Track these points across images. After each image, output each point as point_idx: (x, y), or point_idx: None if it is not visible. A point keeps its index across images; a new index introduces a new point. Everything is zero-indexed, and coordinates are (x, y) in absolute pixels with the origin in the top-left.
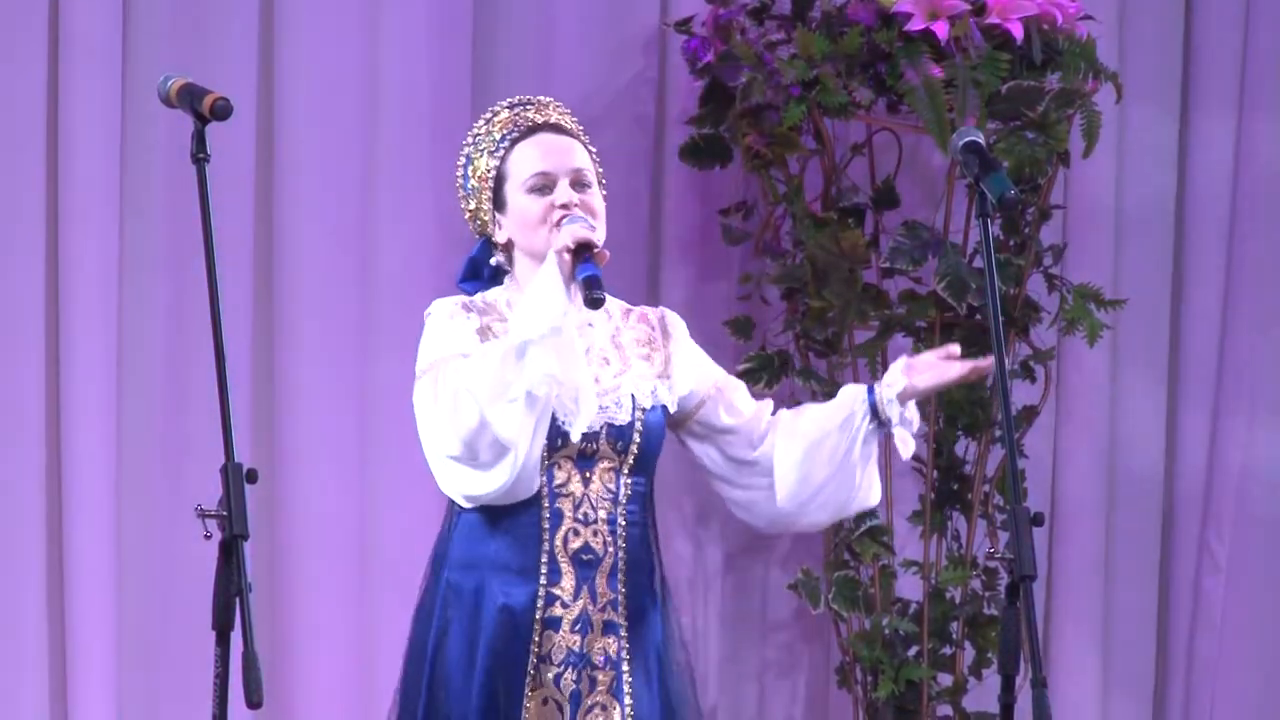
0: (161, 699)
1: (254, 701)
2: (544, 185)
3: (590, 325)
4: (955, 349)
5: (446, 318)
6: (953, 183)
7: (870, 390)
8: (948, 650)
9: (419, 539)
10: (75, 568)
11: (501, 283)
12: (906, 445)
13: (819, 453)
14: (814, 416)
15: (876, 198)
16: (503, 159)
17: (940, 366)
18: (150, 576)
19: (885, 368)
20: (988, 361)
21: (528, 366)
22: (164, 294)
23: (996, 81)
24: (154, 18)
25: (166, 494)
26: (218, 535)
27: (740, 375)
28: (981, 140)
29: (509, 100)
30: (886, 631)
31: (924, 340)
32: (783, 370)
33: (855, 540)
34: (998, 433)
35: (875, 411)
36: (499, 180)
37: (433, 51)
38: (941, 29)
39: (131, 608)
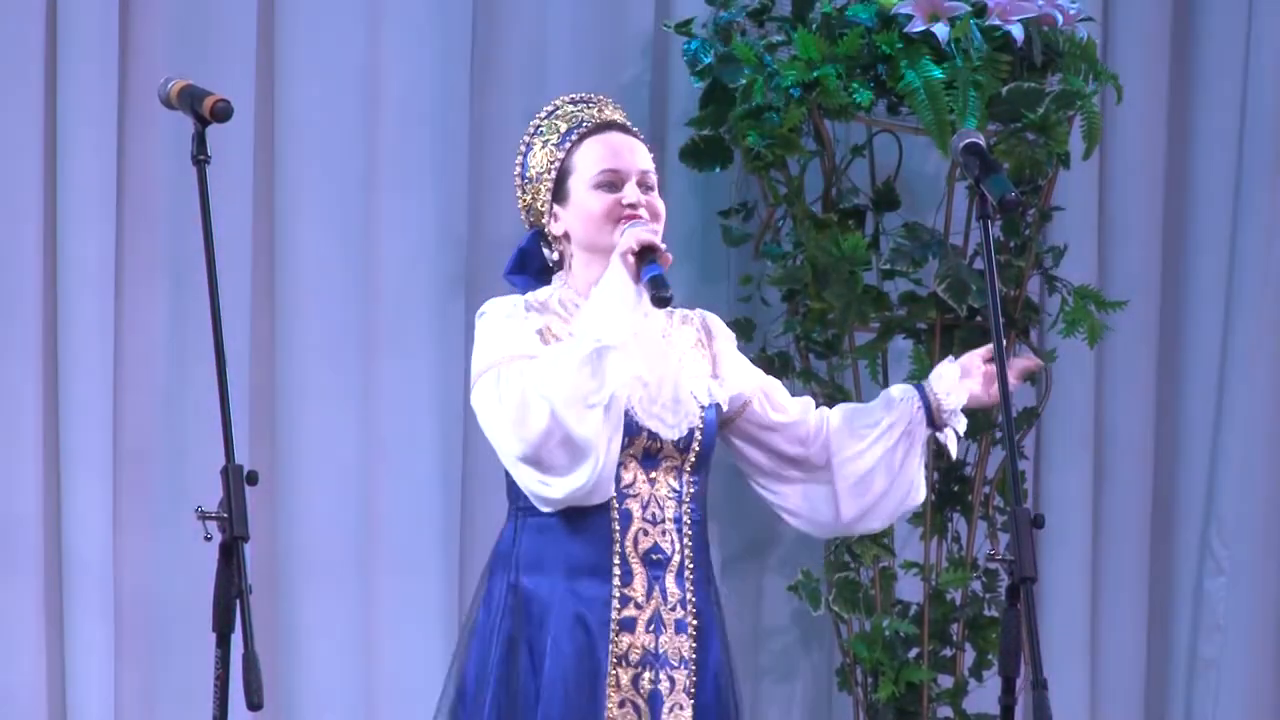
0: (161, 701)
1: (254, 703)
2: (612, 182)
3: (665, 336)
4: (979, 357)
5: (503, 317)
6: (953, 184)
7: (920, 391)
8: (948, 652)
9: (421, 540)
10: (74, 569)
11: (548, 280)
12: (953, 445)
13: (879, 462)
14: (869, 423)
15: (877, 199)
16: (569, 152)
17: (990, 374)
18: (150, 578)
19: (885, 369)
20: (1034, 362)
21: (609, 371)
22: (164, 295)
23: (997, 83)
24: (154, 18)
25: (166, 495)
26: (218, 537)
27: None
28: (982, 142)
29: (570, 96)
30: (887, 633)
31: (924, 342)
32: (783, 372)
33: (855, 542)
34: (998, 434)
35: (929, 416)
36: (563, 173)
37: (433, 51)
38: (942, 31)
39: (131, 610)
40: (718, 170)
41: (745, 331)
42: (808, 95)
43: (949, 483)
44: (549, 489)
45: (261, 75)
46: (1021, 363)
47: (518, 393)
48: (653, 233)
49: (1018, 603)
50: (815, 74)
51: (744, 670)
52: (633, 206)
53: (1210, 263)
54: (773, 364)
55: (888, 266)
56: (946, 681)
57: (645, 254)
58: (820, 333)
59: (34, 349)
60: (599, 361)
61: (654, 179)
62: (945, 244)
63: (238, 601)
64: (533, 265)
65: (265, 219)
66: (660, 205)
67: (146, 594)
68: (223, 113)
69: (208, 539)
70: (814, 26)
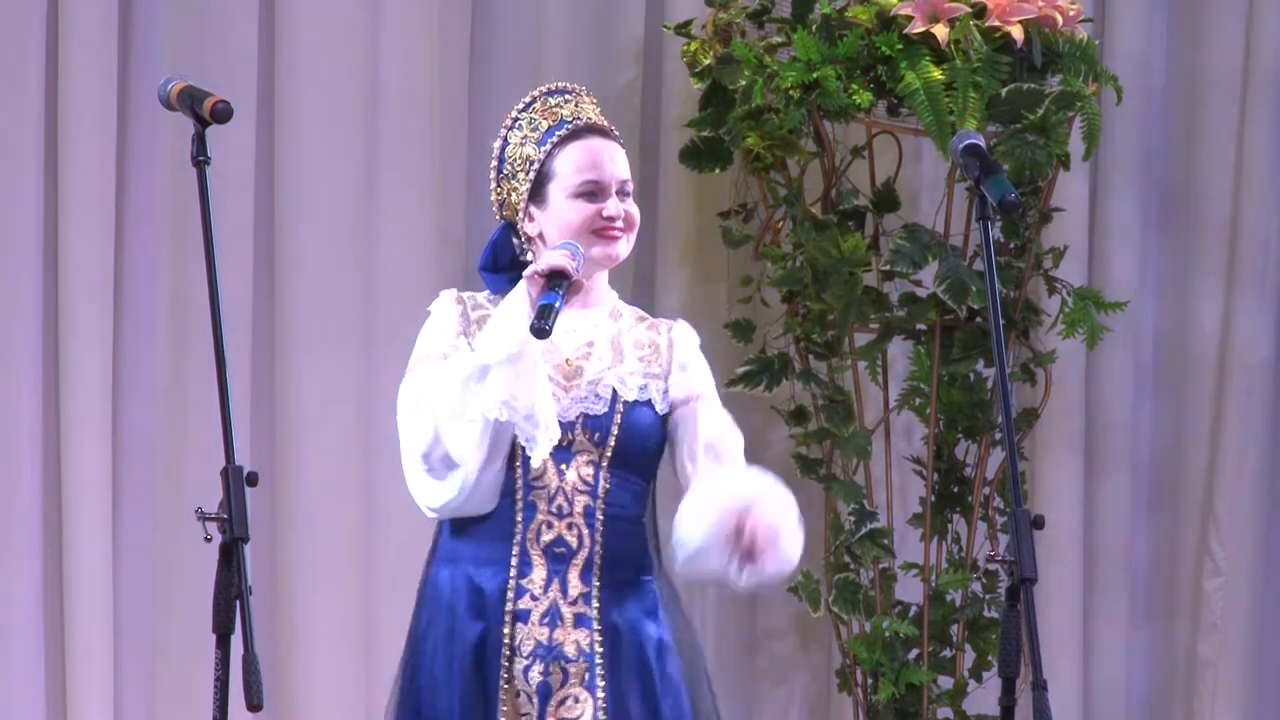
0: (161, 701)
1: (254, 704)
2: (592, 192)
3: (595, 325)
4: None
5: (439, 311)
6: (953, 185)
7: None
8: (948, 653)
9: (419, 541)
10: (74, 570)
11: (520, 271)
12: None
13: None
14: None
15: (877, 200)
16: (549, 155)
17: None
18: (150, 579)
19: (885, 370)
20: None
21: (486, 389)
22: (164, 296)
23: (997, 84)
24: (154, 18)
25: (166, 496)
26: (218, 538)
27: (740, 378)
28: (982, 143)
29: (547, 86)
30: (887, 634)
31: (924, 343)
32: (783, 373)
33: (855, 543)
34: (998, 435)
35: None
36: (542, 176)
37: (432, 53)
38: (942, 32)
39: (131, 610)
40: (717, 171)
41: (745, 332)
42: (807, 96)
43: (949, 483)
44: (427, 496)
45: (261, 76)
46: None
47: (416, 398)
48: (571, 258)
49: (1018, 604)
50: (815, 75)
51: (744, 672)
52: (611, 219)
53: (1209, 263)
54: (772, 365)
55: (887, 267)
56: (946, 682)
57: (555, 278)
58: (820, 334)
59: (34, 349)
60: (480, 379)
61: (631, 185)
62: (945, 245)
63: (238, 602)
64: (504, 258)
65: (265, 219)
66: (636, 212)
67: (146, 594)
68: (223, 114)
69: (208, 540)
70: (814, 28)
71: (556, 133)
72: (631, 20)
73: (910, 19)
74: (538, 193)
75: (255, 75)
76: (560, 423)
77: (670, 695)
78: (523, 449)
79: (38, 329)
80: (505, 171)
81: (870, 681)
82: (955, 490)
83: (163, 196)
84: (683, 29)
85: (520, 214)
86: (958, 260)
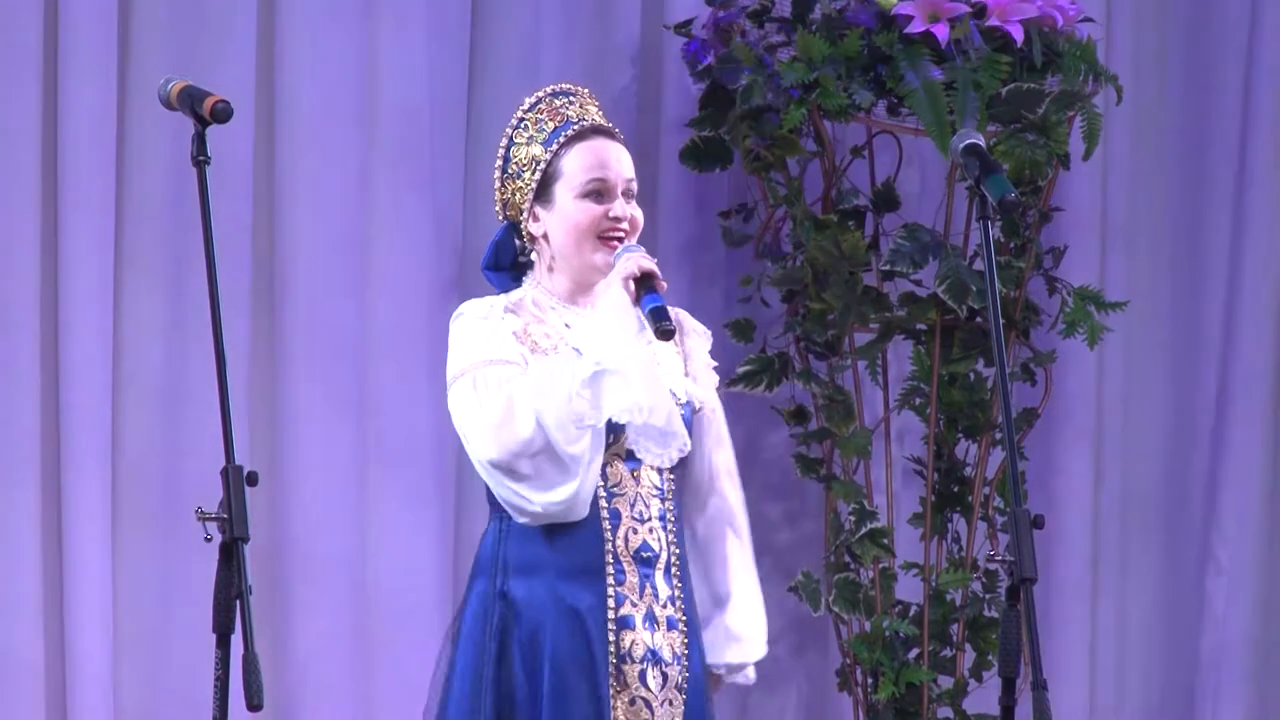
0: (161, 702)
1: (254, 704)
2: (599, 191)
3: (650, 342)
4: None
5: (479, 319)
6: (953, 185)
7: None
8: (948, 653)
9: (419, 541)
10: (74, 570)
11: (522, 273)
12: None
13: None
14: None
15: (877, 200)
16: (555, 155)
17: None
18: (150, 579)
19: (885, 370)
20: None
21: (605, 395)
22: (164, 295)
23: (997, 84)
24: (154, 18)
25: (166, 496)
26: (218, 538)
27: (740, 378)
28: (982, 142)
29: (552, 88)
30: (887, 634)
31: (924, 343)
32: (783, 372)
33: (856, 543)
34: (998, 435)
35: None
36: (549, 176)
37: (431, 54)
38: (942, 31)
39: (131, 611)
40: (718, 171)
41: (745, 332)
42: (808, 96)
43: (949, 483)
44: (526, 502)
45: (261, 76)
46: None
47: (503, 399)
48: (651, 260)
49: (1018, 603)
50: (815, 75)
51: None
52: (617, 220)
53: (1211, 262)
54: (773, 364)
55: (887, 267)
56: (947, 682)
57: (645, 280)
58: (820, 333)
59: (34, 349)
60: (596, 385)
61: (635, 186)
62: (945, 245)
63: (238, 602)
64: (506, 258)
65: (265, 219)
66: (640, 215)
67: (146, 594)
68: (223, 114)
69: (208, 540)
70: (814, 27)
71: (563, 133)
72: (630, 20)
73: (910, 19)
74: (544, 193)
75: (255, 75)
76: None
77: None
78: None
79: (37, 329)
80: (510, 171)
81: (870, 681)
82: (955, 490)
83: (163, 196)
84: (683, 29)
85: (525, 214)
86: (958, 260)
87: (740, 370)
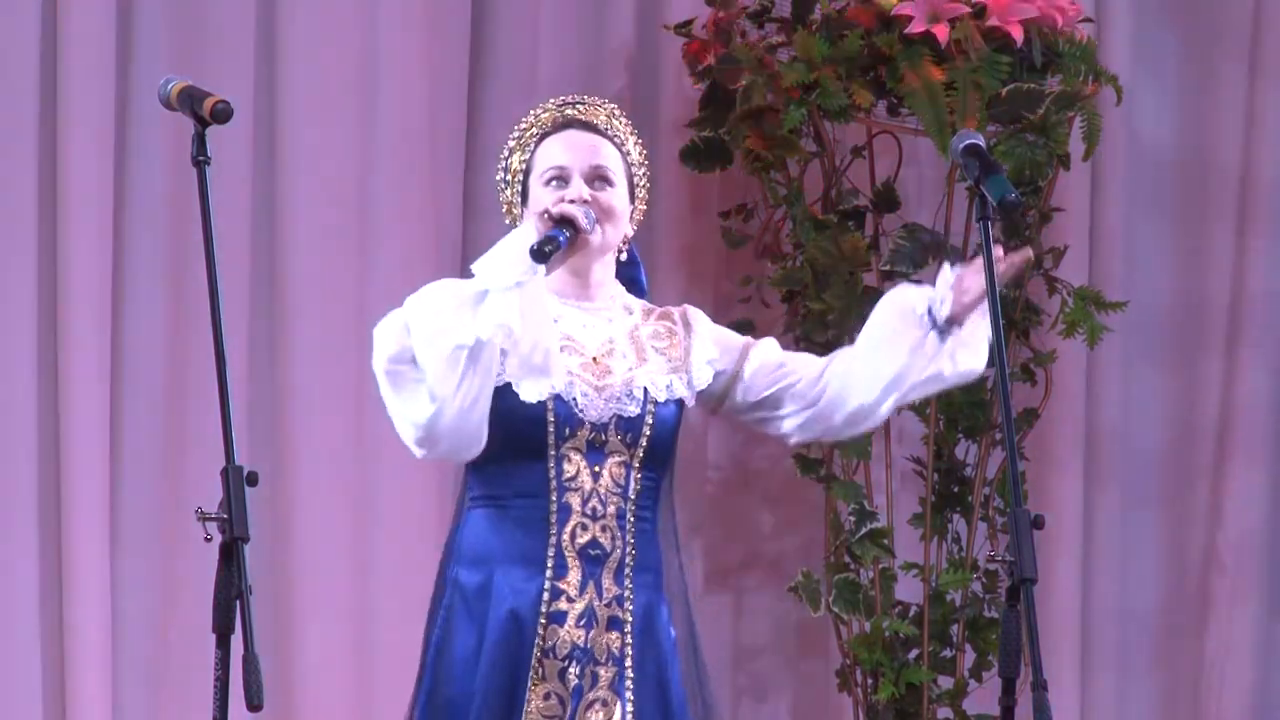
0: (161, 702)
1: (254, 704)
2: (560, 178)
3: (610, 320)
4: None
5: (436, 284)
6: (953, 185)
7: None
8: (948, 653)
9: (419, 541)
10: (74, 570)
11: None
12: (977, 359)
13: (888, 353)
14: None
15: (876, 200)
16: (532, 153)
17: (974, 272)
18: (150, 579)
19: None
20: (1023, 255)
21: (481, 313)
22: (164, 296)
23: (997, 84)
24: (154, 18)
25: (166, 496)
26: (218, 538)
27: None
28: (982, 143)
29: (560, 99)
30: (887, 634)
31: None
32: None
33: (855, 543)
34: (998, 435)
35: (933, 318)
36: (526, 173)
37: (431, 55)
38: (942, 32)
39: (131, 610)
40: (718, 171)
41: (745, 332)
42: (808, 96)
43: (949, 483)
44: (403, 421)
45: (261, 76)
46: (1012, 258)
47: (387, 320)
48: (584, 215)
49: (1018, 603)
50: (815, 75)
51: (744, 672)
52: (573, 202)
53: (1212, 262)
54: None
55: (887, 267)
56: (946, 682)
57: (563, 223)
58: (820, 334)
59: (34, 349)
60: (475, 303)
61: (614, 175)
62: (945, 245)
63: (238, 602)
64: None
65: (265, 220)
66: (617, 204)
67: (146, 594)
68: (223, 114)
69: (208, 540)
70: (814, 27)
71: (541, 131)
72: (629, 21)
73: (910, 19)
74: (525, 191)
75: (255, 75)
76: (595, 424)
77: (678, 701)
78: (553, 445)
79: (37, 329)
80: (506, 179)
81: (870, 681)
82: (955, 490)
83: (163, 196)
84: (683, 29)
85: (519, 217)
86: (958, 260)
87: None
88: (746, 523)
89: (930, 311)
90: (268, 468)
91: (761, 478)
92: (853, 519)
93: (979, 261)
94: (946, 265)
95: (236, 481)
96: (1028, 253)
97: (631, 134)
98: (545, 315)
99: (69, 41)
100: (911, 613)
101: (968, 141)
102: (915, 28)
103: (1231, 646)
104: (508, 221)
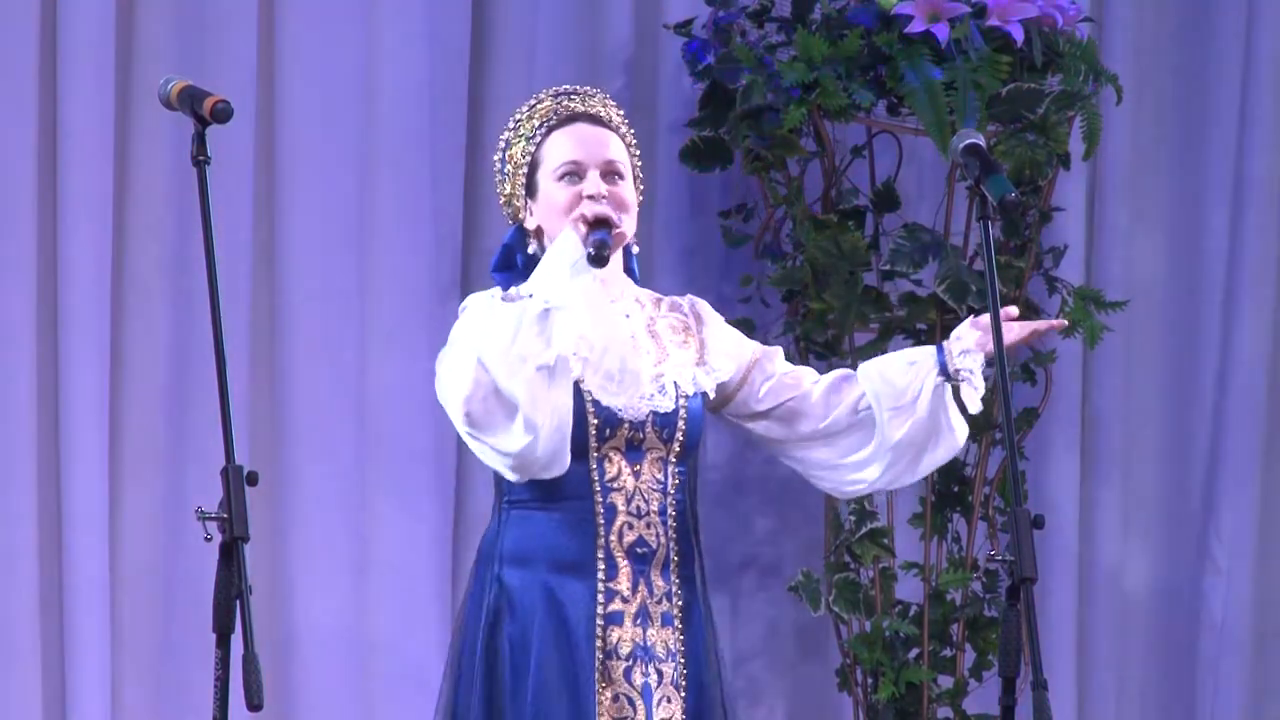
0: (161, 701)
1: (254, 704)
2: (574, 173)
3: (628, 316)
4: (1013, 310)
5: (485, 309)
6: (953, 185)
7: (940, 349)
8: (948, 652)
9: (419, 540)
10: (74, 570)
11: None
12: (973, 402)
13: (899, 430)
14: (884, 390)
15: (877, 200)
16: (538, 145)
17: (1007, 328)
18: (150, 579)
19: None
20: (1059, 321)
21: (554, 331)
22: (164, 295)
23: (997, 84)
24: (154, 18)
25: (166, 496)
26: (218, 538)
27: None
28: (982, 142)
29: (554, 89)
30: (887, 634)
31: (925, 343)
32: None
33: (856, 542)
34: (998, 435)
35: (944, 370)
36: (533, 166)
37: (431, 52)
38: (942, 31)
39: (131, 610)
40: (717, 171)
41: (745, 332)
42: (808, 96)
43: (949, 483)
44: (495, 454)
45: (262, 75)
46: (1035, 325)
47: (454, 359)
48: (611, 212)
49: (1018, 603)
50: (815, 75)
51: (743, 672)
52: (593, 197)
53: (1210, 262)
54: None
55: (887, 267)
56: (946, 682)
57: (599, 225)
58: (820, 333)
59: (34, 349)
60: (544, 322)
61: (624, 169)
62: (945, 245)
63: (238, 601)
64: (518, 260)
65: (265, 219)
66: (630, 195)
67: (146, 594)
68: (223, 113)
69: (208, 539)
70: (814, 27)
71: (546, 124)
72: (628, 21)
73: (910, 19)
74: (531, 185)
75: (255, 75)
76: (633, 422)
77: (709, 697)
78: (595, 447)
79: (37, 329)
80: (506, 171)
81: (870, 681)
82: (955, 490)
83: (163, 196)
84: (683, 29)
85: (523, 210)
86: (958, 260)
87: None
88: (746, 523)
89: (942, 362)
90: (267, 468)
91: (761, 478)
92: (852, 519)
93: (1007, 314)
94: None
95: (236, 481)
96: (1060, 323)
97: (624, 121)
98: (611, 318)
99: (69, 41)
100: (911, 612)
101: (968, 141)
102: (915, 27)
103: (1229, 646)
104: (506, 213)
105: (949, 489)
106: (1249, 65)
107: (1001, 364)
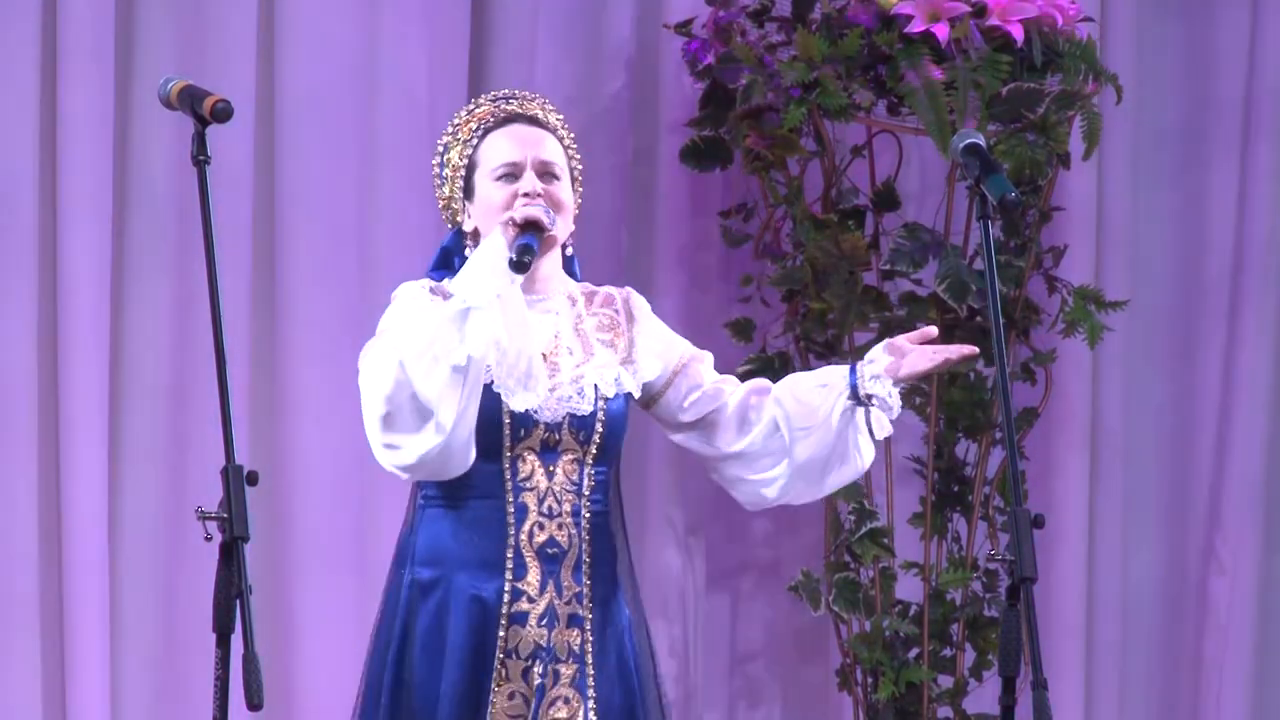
0: (161, 701)
1: (254, 704)
2: (510, 174)
3: (557, 314)
4: (932, 331)
5: (410, 299)
6: (953, 185)
7: (852, 371)
8: (948, 652)
9: None
10: (74, 570)
11: None
12: (881, 426)
13: (807, 450)
14: (796, 411)
15: (877, 199)
16: (475, 148)
17: (921, 353)
18: (150, 578)
19: None
20: (971, 349)
21: (469, 332)
22: (164, 295)
23: (997, 83)
24: (154, 18)
25: (166, 495)
26: (218, 537)
27: (741, 377)
28: (982, 142)
29: (493, 93)
30: (887, 633)
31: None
32: (783, 372)
33: (855, 542)
34: (998, 434)
35: (855, 393)
36: (470, 168)
37: (431, 52)
38: (942, 31)
39: (131, 610)
40: (717, 171)
41: (745, 332)
42: (808, 95)
43: (949, 483)
44: (399, 453)
45: (261, 75)
46: (960, 350)
47: (377, 352)
48: (545, 213)
49: (1018, 603)
50: (815, 74)
51: (743, 672)
52: (527, 196)
53: (1213, 262)
54: (773, 364)
55: (887, 267)
56: (946, 681)
57: (528, 228)
58: (820, 333)
59: (34, 349)
60: (461, 322)
61: (560, 169)
62: (945, 244)
63: (238, 601)
64: (456, 263)
65: (265, 219)
66: (565, 195)
67: (146, 594)
68: (223, 113)
69: (208, 539)
70: (814, 27)
71: (483, 126)
72: (628, 20)
73: (910, 19)
74: (469, 186)
75: (255, 75)
76: (549, 424)
77: (641, 690)
78: (509, 447)
79: (38, 328)
80: (445, 175)
81: (870, 680)
82: (955, 490)
83: (163, 196)
84: (683, 28)
85: (461, 213)
86: (958, 259)
87: (740, 370)
88: (745, 524)
89: (853, 383)
90: (268, 468)
91: None
92: (852, 518)
93: (905, 344)
94: (883, 342)
95: (236, 481)
96: (973, 350)
97: (564, 124)
98: (526, 323)
99: (69, 41)
100: (911, 612)
101: (968, 141)
102: (915, 27)
103: (1231, 646)
104: (444, 216)
105: (949, 489)
106: (1251, 65)
107: (1002, 364)
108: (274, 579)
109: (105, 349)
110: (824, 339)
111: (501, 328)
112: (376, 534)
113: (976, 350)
